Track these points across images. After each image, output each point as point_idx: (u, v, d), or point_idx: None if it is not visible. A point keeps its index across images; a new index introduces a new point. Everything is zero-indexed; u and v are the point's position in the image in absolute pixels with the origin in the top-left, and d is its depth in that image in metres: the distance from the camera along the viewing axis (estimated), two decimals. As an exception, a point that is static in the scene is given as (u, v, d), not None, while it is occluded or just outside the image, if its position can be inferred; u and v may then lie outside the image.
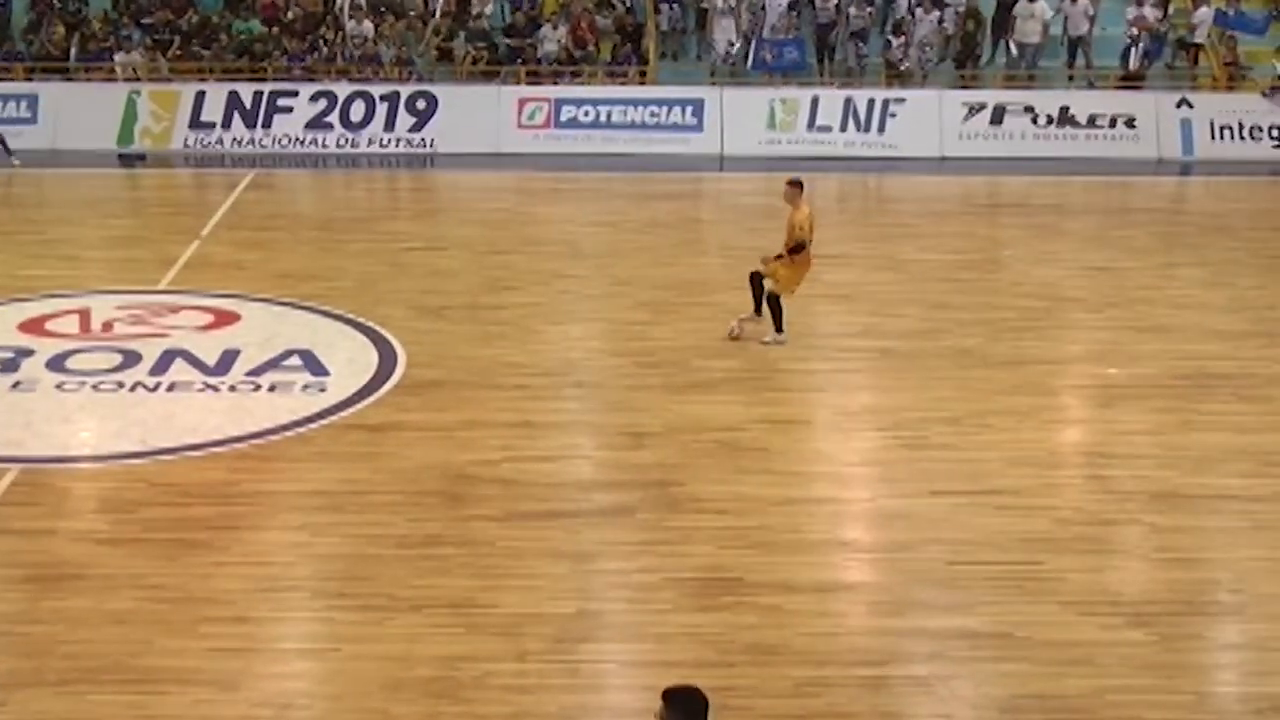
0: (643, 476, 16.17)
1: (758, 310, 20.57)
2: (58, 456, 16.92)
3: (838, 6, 36.01)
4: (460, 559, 14.20)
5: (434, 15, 36.77)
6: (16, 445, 17.02)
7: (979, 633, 13.00)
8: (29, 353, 19.84)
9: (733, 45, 35.96)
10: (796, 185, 20.48)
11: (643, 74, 35.72)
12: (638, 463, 16.59)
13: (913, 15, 35.70)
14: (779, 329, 20.32)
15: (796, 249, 20.17)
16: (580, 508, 15.47)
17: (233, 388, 18.73)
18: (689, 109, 34.28)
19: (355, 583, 13.75)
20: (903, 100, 34.32)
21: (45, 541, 14.66)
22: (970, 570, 14.14)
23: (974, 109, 34.19)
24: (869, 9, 36.13)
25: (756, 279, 20.52)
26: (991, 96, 34.47)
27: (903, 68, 35.21)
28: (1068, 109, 34.12)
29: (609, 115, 34.24)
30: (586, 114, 34.30)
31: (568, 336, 20.99)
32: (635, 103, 34.41)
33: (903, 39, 35.27)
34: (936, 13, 35.66)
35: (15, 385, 18.81)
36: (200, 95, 34.56)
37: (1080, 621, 13.20)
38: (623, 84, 35.48)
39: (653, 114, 34.26)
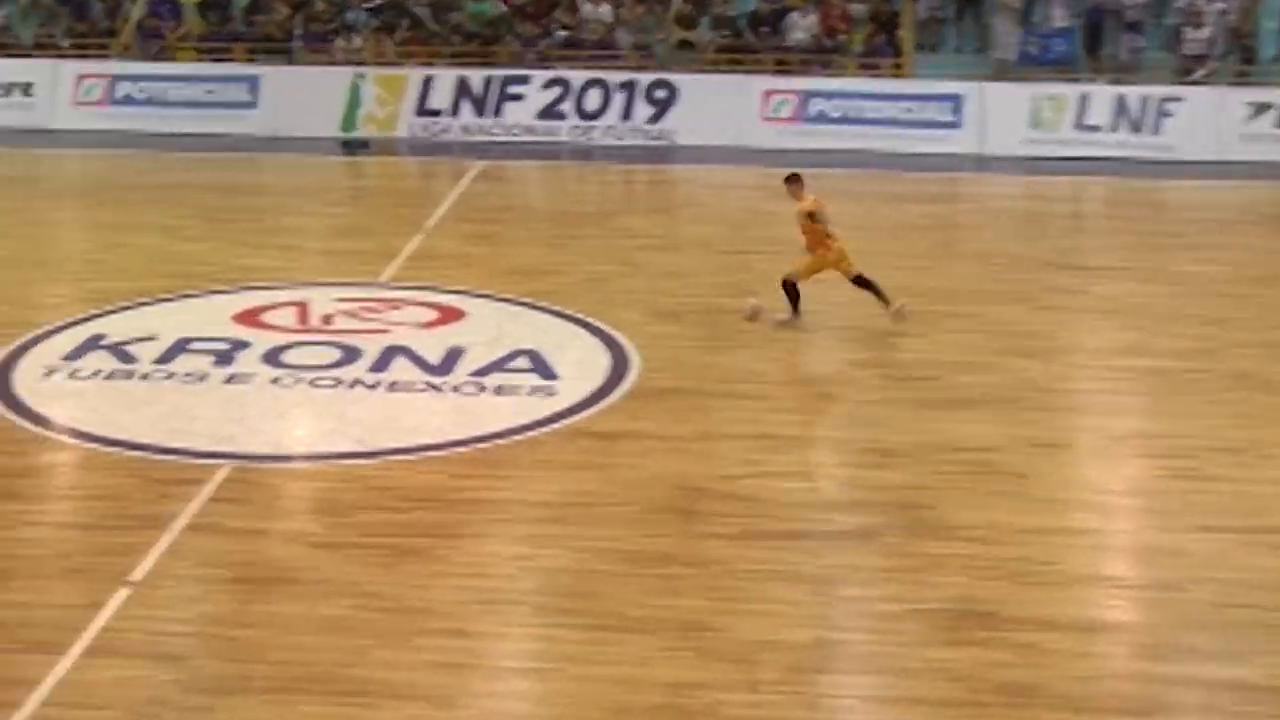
0: (889, 498, 16.01)
1: (883, 300, 20.98)
2: (272, 454, 17.17)
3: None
4: (692, 579, 14.17)
5: (676, -1, 36.94)
6: (230, 440, 17.29)
7: (1255, 685, 12.63)
8: (245, 345, 20.20)
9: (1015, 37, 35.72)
10: (795, 180, 21.40)
11: (898, 66, 35.54)
12: (884, 483, 16.43)
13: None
14: (796, 311, 21.17)
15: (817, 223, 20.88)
16: (821, 529, 15.35)
17: (456, 388, 18.89)
18: (947, 105, 34.03)
19: (580, 599, 13.79)
20: (1180, 99, 33.71)
21: (257, 542, 14.87)
22: (1245, 615, 13.77)
23: (1259, 109, 33.46)
24: (1144, -1, 35.67)
25: (860, 280, 21.06)
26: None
27: (1207, 65, 34.56)
28: (1366, 110, 33.34)
29: (860, 110, 34.12)
30: (836, 108, 34.20)
31: (812, 345, 20.92)
32: (889, 97, 34.27)
33: (1207, 31, 34.58)
34: (1220, 4, 35.03)
35: (230, 378, 19.14)
36: (427, 81, 35.09)
37: (1369, 677, 12.84)
38: (876, 76, 35.32)
39: (908, 109, 34.07)
